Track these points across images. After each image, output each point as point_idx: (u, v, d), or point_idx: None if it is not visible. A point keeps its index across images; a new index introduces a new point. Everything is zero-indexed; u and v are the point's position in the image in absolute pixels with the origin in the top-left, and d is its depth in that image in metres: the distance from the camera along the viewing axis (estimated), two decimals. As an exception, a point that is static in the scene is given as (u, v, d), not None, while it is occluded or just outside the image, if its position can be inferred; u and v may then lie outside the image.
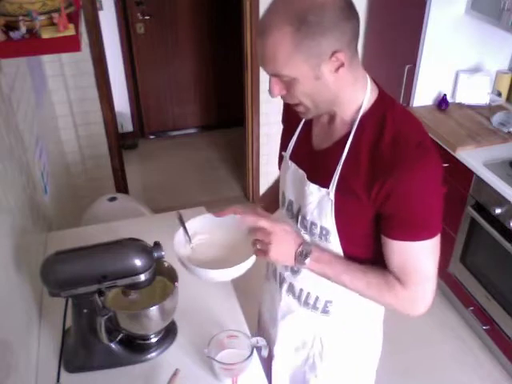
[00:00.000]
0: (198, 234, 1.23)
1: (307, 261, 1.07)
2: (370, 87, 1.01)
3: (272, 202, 1.32)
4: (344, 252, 1.11)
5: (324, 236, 1.10)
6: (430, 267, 1.02)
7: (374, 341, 1.31)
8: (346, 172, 1.01)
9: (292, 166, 1.15)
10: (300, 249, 1.07)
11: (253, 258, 1.13)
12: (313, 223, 1.11)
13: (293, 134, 1.16)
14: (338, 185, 1.02)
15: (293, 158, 1.15)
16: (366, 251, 1.13)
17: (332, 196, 1.03)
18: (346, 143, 1.01)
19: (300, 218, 1.14)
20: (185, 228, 1.20)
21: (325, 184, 1.04)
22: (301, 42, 0.88)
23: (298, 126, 1.15)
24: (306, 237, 1.14)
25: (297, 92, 0.96)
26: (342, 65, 0.92)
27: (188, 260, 1.15)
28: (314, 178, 1.07)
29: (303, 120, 1.13)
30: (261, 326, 1.52)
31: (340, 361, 1.29)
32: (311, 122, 1.12)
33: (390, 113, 0.98)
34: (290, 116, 1.17)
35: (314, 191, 1.07)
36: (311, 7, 0.87)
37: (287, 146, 1.17)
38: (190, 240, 1.21)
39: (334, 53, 0.90)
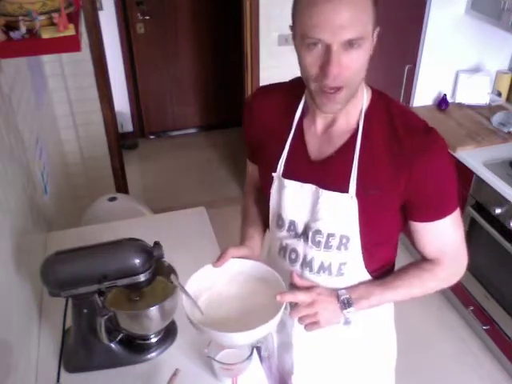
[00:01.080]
0: (202, 293, 1.09)
1: (352, 309, 1.05)
2: (364, 87, 1.02)
3: (261, 225, 1.26)
4: (364, 256, 1.09)
5: (344, 245, 1.07)
6: (457, 237, 1.08)
7: (392, 340, 1.32)
8: (364, 170, 1.00)
9: (290, 183, 1.08)
10: (341, 299, 1.04)
11: (281, 311, 1.00)
12: (330, 235, 1.07)
13: (279, 154, 1.09)
14: (357, 186, 1.01)
15: (289, 175, 1.09)
16: (387, 249, 1.14)
17: (355, 198, 1.01)
18: (354, 144, 1.00)
19: (311, 234, 1.09)
20: (186, 293, 1.05)
21: (343, 189, 1.02)
22: (373, 8, 0.92)
23: (286, 144, 1.09)
24: (319, 253, 1.10)
25: (356, 63, 0.91)
26: (374, 42, 0.95)
27: (203, 325, 0.98)
28: (328, 187, 1.03)
29: (291, 136, 1.08)
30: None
31: (363, 371, 1.28)
32: (302, 135, 1.08)
33: (391, 106, 1.01)
34: (270, 137, 1.12)
35: (332, 200, 1.03)
36: None
37: (274, 166, 1.10)
38: (196, 304, 1.03)
39: (376, 28, 0.94)
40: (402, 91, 2.75)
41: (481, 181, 2.24)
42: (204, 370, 1.22)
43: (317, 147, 1.06)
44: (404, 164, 0.97)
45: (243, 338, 0.98)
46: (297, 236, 1.13)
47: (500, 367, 2.38)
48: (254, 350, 1.19)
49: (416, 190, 0.99)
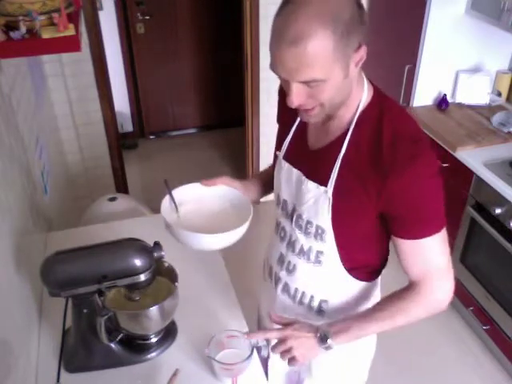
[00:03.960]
0: (185, 203, 1.23)
1: (329, 341, 1.05)
2: (367, 86, 1.02)
3: (266, 183, 1.34)
4: (340, 253, 1.11)
5: (319, 235, 1.10)
6: (443, 260, 1.04)
7: (368, 339, 1.30)
8: (345, 171, 1.02)
9: (286, 165, 1.15)
10: (318, 335, 1.06)
11: (245, 226, 1.13)
12: (308, 222, 1.11)
13: (287, 135, 1.16)
14: (336, 183, 1.03)
15: (287, 158, 1.15)
16: (365, 253, 1.14)
17: (330, 194, 1.04)
18: (343, 142, 1.02)
19: (295, 217, 1.14)
20: (171, 195, 1.20)
21: (323, 182, 1.05)
22: (338, 43, 0.85)
23: (292, 127, 1.14)
24: (301, 236, 1.14)
25: (322, 95, 0.92)
26: (362, 58, 0.92)
27: (177, 226, 1.13)
28: (311, 177, 1.08)
29: (297, 121, 1.13)
30: (261, 327, 1.52)
31: (334, 360, 1.28)
32: (306, 123, 1.11)
33: (386, 112, 0.99)
34: (285, 117, 1.17)
35: (311, 189, 1.07)
36: (341, 5, 0.84)
37: (281, 146, 1.17)
38: (176, 208, 1.19)
39: (359, 46, 0.90)
40: (402, 91, 2.75)
41: (481, 181, 2.24)
42: (204, 370, 1.23)
43: (315, 137, 1.10)
44: (380, 174, 0.96)
45: (209, 240, 1.11)
46: (287, 216, 1.19)
47: (500, 367, 2.38)
48: (254, 350, 1.19)
49: (389, 204, 0.98)
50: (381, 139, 0.97)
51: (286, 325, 1.10)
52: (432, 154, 0.98)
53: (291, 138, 1.15)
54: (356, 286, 1.19)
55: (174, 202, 1.20)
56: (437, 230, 1.01)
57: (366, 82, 1.02)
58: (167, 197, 1.21)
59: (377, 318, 1.07)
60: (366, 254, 1.14)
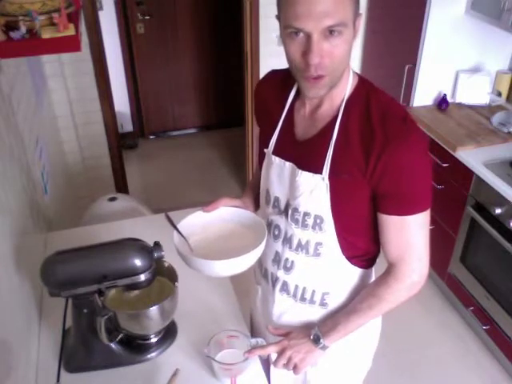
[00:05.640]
0: (192, 235, 1.18)
1: (322, 341, 1.12)
2: (351, 72, 1.06)
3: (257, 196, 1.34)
4: (339, 241, 1.12)
5: (318, 225, 1.11)
6: (422, 243, 1.07)
7: (372, 327, 1.31)
8: (338, 154, 1.04)
9: (276, 160, 1.15)
10: (311, 337, 1.13)
11: (262, 246, 1.11)
12: (306, 214, 1.11)
13: (272, 132, 1.16)
14: (331, 168, 1.04)
15: (276, 152, 1.16)
16: (363, 239, 1.15)
17: (327, 180, 1.05)
18: (333, 128, 1.04)
19: (290, 211, 1.14)
20: (177, 229, 1.16)
21: (317, 170, 1.06)
22: None
23: (278, 123, 1.15)
24: (297, 231, 1.14)
25: (337, 51, 0.93)
26: (359, 29, 0.97)
27: (193, 255, 1.10)
28: (304, 167, 1.08)
29: (283, 116, 1.14)
30: (254, 332, 1.50)
31: (339, 352, 1.28)
32: (292, 116, 1.13)
33: (372, 94, 1.04)
34: (267, 115, 1.20)
35: (306, 180, 1.08)
36: None
37: (268, 143, 1.17)
38: (186, 241, 1.16)
39: (358, 16, 0.96)
40: (402, 91, 2.75)
41: (481, 181, 2.24)
42: (204, 370, 1.23)
43: (303, 128, 1.12)
44: (373, 152, 0.99)
45: (224, 266, 1.08)
46: (280, 212, 1.18)
47: (500, 367, 2.38)
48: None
49: (381, 181, 1.01)
50: (371, 120, 1.00)
51: (283, 335, 1.16)
52: (421, 131, 1.01)
53: (278, 134, 1.16)
54: (355, 273, 1.20)
55: (183, 236, 1.16)
56: (423, 208, 1.03)
57: (350, 68, 1.06)
58: (175, 232, 1.17)
59: (361, 310, 1.12)
60: (363, 241, 1.15)
